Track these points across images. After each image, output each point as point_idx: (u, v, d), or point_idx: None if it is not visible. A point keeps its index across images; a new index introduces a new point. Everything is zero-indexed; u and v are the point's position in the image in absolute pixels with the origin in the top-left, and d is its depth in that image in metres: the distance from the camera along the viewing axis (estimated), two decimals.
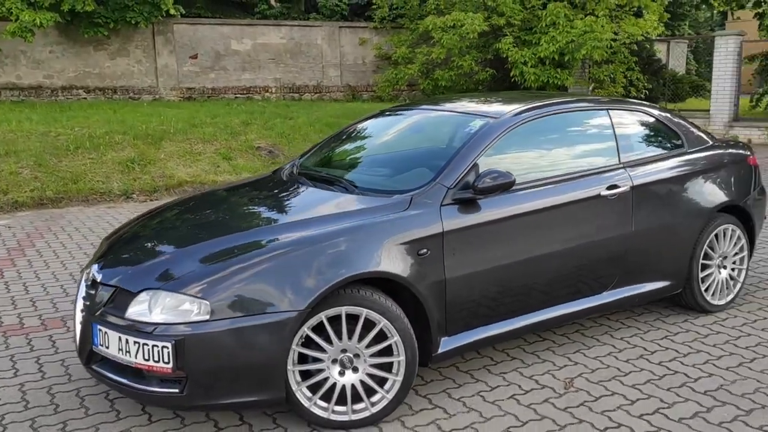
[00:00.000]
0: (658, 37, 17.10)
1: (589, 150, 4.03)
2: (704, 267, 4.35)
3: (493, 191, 3.37)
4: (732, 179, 4.49)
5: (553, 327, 4.03)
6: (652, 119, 4.37)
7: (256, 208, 3.71)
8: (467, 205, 3.40)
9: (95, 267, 3.27)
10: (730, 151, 4.65)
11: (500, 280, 3.49)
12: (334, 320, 3.03)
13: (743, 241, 4.54)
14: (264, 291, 2.91)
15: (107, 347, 3.00)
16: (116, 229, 3.93)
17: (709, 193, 4.32)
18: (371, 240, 3.13)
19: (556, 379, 3.60)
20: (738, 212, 4.50)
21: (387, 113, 4.56)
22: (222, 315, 2.84)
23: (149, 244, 3.42)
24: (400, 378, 3.12)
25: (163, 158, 9.91)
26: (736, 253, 4.52)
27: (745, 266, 4.59)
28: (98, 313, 3.07)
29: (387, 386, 3.13)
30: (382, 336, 3.10)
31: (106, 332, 2.99)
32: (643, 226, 3.98)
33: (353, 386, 3.09)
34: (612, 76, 15.65)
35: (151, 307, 2.94)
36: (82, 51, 15.44)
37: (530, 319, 3.65)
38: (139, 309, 2.96)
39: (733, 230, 4.45)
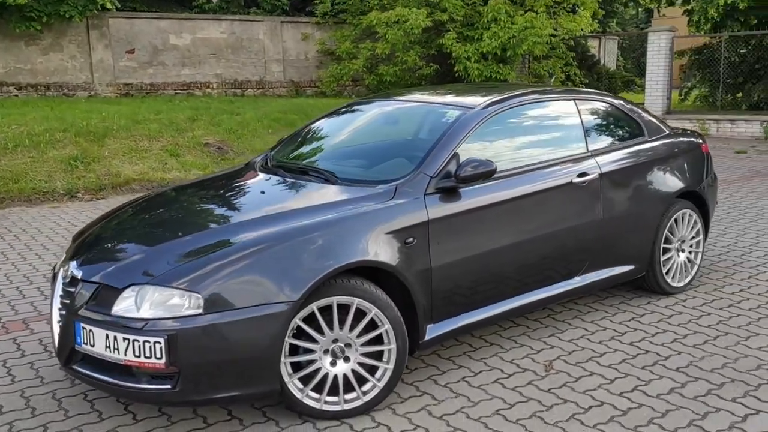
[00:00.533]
0: (591, 33, 17.58)
1: (559, 139, 4.15)
2: (665, 251, 4.53)
3: (475, 180, 3.43)
4: (688, 166, 4.68)
5: (530, 312, 4.13)
6: (613, 109, 4.52)
7: (236, 201, 3.67)
8: (449, 193, 3.45)
9: (73, 264, 3.17)
10: (685, 139, 4.85)
11: (481, 267, 3.55)
12: (325, 311, 3.03)
13: (699, 225, 4.74)
14: (256, 283, 2.89)
15: (92, 345, 2.91)
16: (87, 226, 3.81)
17: (669, 179, 4.50)
18: (360, 230, 3.14)
19: (536, 362, 3.69)
20: (694, 198, 4.70)
21: (356, 105, 4.57)
22: (215, 308, 2.81)
23: (130, 240, 3.34)
24: (391, 366, 3.15)
25: (107, 156, 9.64)
26: (693, 237, 4.72)
27: (700, 249, 4.80)
28: (80, 310, 2.98)
29: (378, 374, 3.15)
30: (372, 325, 3.12)
31: (90, 330, 2.91)
32: (610, 213, 4.12)
33: (345, 376, 3.09)
34: (551, 71, 16.02)
35: (138, 303, 2.87)
36: (13, 46, 14.83)
37: (509, 305, 3.73)
38: (125, 305, 2.89)
39: (690, 215, 4.64)
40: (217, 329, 2.80)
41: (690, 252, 4.73)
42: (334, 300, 3.02)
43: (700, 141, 4.95)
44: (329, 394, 3.08)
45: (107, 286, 2.98)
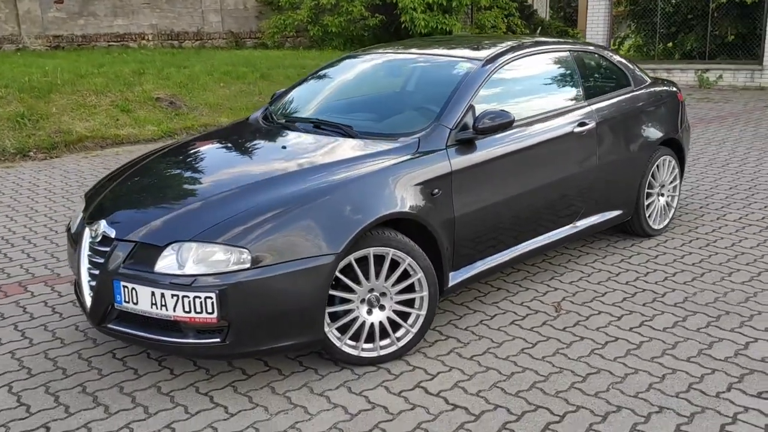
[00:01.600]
0: None
1: (559, 90, 4.29)
2: (647, 195, 4.78)
3: (494, 131, 3.54)
4: (668, 114, 4.93)
5: (535, 256, 4.31)
6: (603, 59, 4.69)
7: (259, 156, 3.65)
8: (467, 145, 3.55)
9: (104, 223, 3.13)
10: (664, 88, 5.08)
11: (496, 215, 3.70)
12: (361, 262, 3.12)
13: (677, 170, 5.02)
14: (301, 236, 2.94)
15: (135, 303, 2.92)
16: (100, 183, 3.74)
17: (654, 127, 4.73)
18: (393, 183, 3.21)
19: (545, 304, 3.89)
20: (673, 144, 4.95)
21: (355, 58, 4.57)
22: (263, 262, 2.85)
23: (159, 198, 3.31)
24: (423, 312, 3.27)
25: (55, 113, 9.25)
26: (671, 182, 4.99)
27: (677, 193, 5.09)
28: (119, 269, 2.97)
29: (410, 321, 3.27)
30: (405, 274, 3.22)
31: (133, 288, 2.91)
32: (604, 160, 4.32)
33: (380, 324, 3.20)
34: (494, 22, 16.16)
35: (181, 260, 2.89)
36: None
37: (520, 250, 3.90)
38: (167, 262, 2.90)
39: (669, 161, 4.91)
40: (265, 283, 2.85)
41: (668, 196, 5.01)
42: (371, 251, 3.10)
43: (676, 90, 5.19)
44: (365, 341, 3.19)
45: (146, 244, 2.97)
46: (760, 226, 5.11)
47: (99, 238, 3.12)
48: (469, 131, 3.54)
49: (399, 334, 3.25)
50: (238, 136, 4.03)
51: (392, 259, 3.17)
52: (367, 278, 3.14)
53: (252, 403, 2.95)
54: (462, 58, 3.98)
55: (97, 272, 3.09)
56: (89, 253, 3.18)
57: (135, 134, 9.16)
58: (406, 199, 3.23)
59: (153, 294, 2.86)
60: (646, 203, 4.77)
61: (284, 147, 3.66)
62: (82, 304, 3.26)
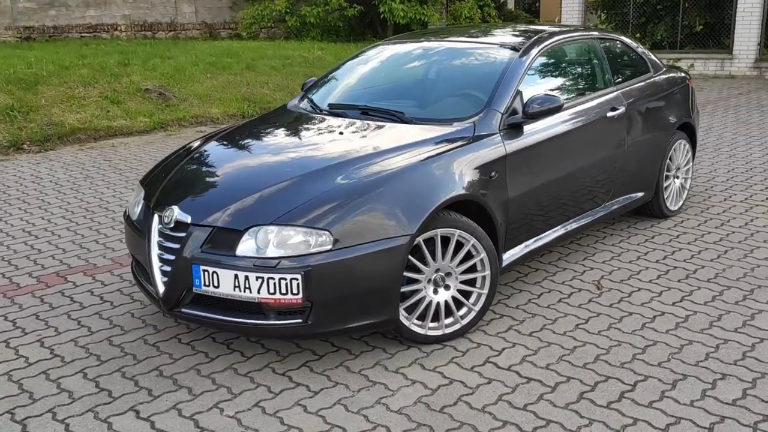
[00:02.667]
0: None
1: (591, 75, 4.44)
2: (665, 178, 4.98)
3: (543, 116, 3.66)
4: (683, 99, 5.13)
5: (574, 237, 4.44)
6: (625, 46, 4.86)
7: (320, 142, 3.70)
8: (516, 129, 3.67)
9: (177, 209, 3.16)
10: (678, 74, 5.27)
11: (543, 197, 3.83)
12: (427, 243, 3.21)
13: (690, 153, 5.23)
14: (377, 218, 3.02)
15: (216, 287, 2.96)
16: (158, 169, 3.76)
17: (672, 111, 4.92)
18: (458, 166, 3.32)
19: (585, 282, 4.04)
20: (687, 128, 5.15)
21: (387, 46, 4.64)
22: (344, 243, 2.93)
23: (230, 182, 3.35)
24: (485, 291, 3.39)
25: (45, 105, 9.10)
26: (685, 165, 5.20)
27: (690, 176, 5.30)
28: (197, 254, 3.01)
29: (472, 300, 3.38)
30: (467, 254, 3.33)
31: (214, 272, 2.96)
32: (632, 143, 4.49)
33: (446, 303, 3.31)
34: (468, 13, 16.31)
35: (263, 243, 2.94)
36: None
37: (561, 231, 4.04)
38: (249, 246, 2.96)
39: (684, 144, 5.11)
40: (346, 264, 2.93)
41: (683, 178, 5.21)
42: (438, 232, 3.20)
43: (687, 76, 5.39)
44: (430, 320, 3.29)
45: (224, 228, 3.02)
46: (767, 206, 5.35)
47: (172, 224, 3.15)
48: (518, 116, 3.66)
49: (462, 312, 3.36)
50: (288, 123, 4.07)
51: (458, 240, 3.28)
52: (434, 259, 3.23)
53: (331, 382, 3.03)
54: (501, 45, 4.09)
55: (170, 257, 3.13)
56: (160, 239, 3.21)
57: (128, 126, 9.07)
58: (469, 181, 3.33)
59: (236, 277, 2.92)
60: (664, 185, 4.96)
61: (341, 132, 3.72)
62: (148, 289, 3.29)
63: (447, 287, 3.31)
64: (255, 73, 11.60)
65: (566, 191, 4.01)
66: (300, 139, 3.80)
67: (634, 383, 2.96)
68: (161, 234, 3.22)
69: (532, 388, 2.94)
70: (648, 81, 4.80)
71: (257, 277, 2.89)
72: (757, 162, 6.75)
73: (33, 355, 3.30)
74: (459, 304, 3.35)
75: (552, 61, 4.16)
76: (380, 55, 4.58)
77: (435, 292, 3.29)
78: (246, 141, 3.86)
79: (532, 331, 3.46)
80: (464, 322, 3.36)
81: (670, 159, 4.97)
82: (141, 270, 3.48)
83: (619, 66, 4.64)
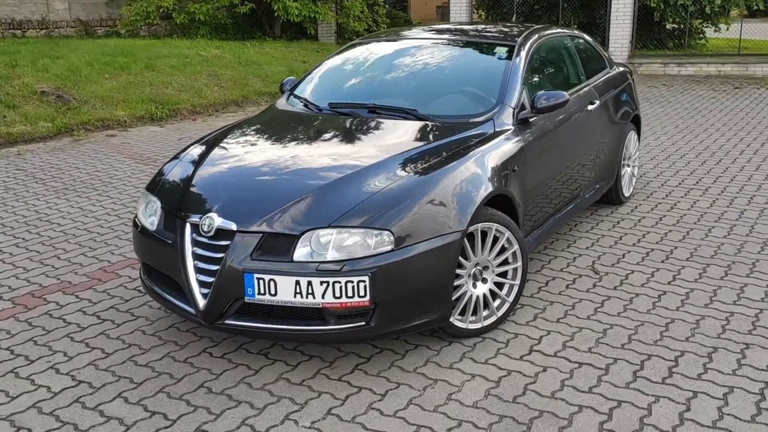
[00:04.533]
0: None
1: (571, 70, 4.63)
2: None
3: (551, 110, 3.79)
4: (632, 92, 5.47)
5: (561, 225, 4.61)
6: (586, 44, 5.12)
7: (342, 141, 3.60)
8: (526, 124, 3.78)
9: (216, 216, 2.99)
10: (625, 69, 5.62)
11: (547, 188, 3.97)
12: (467, 238, 3.25)
13: (637, 144, 5.59)
14: (433, 215, 3.02)
15: (274, 294, 2.85)
16: (161, 175, 3.52)
17: (627, 104, 5.25)
18: (491, 162, 3.38)
19: (581, 268, 4.23)
20: (635, 120, 5.51)
21: (369, 44, 4.61)
22: (404, 242, 2.90)
23: (266, 185, 3.19)
24: (517, 282, 3.47)
25: None
26: (634, 153, 5.56)
27: (637, 164, 5.67)
28: (248, 262, 2.88)
29: (505, 291, 3.45)
30: (502, 247, 3.40)
31: (271, 280, 2.84)
32: (603, 135, 4.74)
33: (483, 296, 3.36)
34: (359, 14, 16.42)
35: (322, 246, 2.86)
36: None
37: (553, 219, 4.19)
38: (306, 250, 2.86)
39: (634, 134, 5.46)
40: (407, 263, 2.90)
41: (632, 167, 5.56)
42: (479, 227, 3.24)
43: (629, 70, 5.76)
44: (464, 313, 3.33)
45: (276, 234, 2.90)
46: (700, 189, 5.82)
47: (212, 233, 2.98)
48: (527, 110, 3.77)
49: (496, 304, 3.43)
50: (297, 123, 3.94)
51: (493, 234, 3.33)
52: (474, 253, 3.28)
53: (392, 383, 2.99)
54: (495, 41, 4.20)
55: (211, 268, 2.96)
56: (195, 249, 3.03)
57: (29, 131, 8.39)
58: (501, 176, 3.41)
59: (297, 283, 2.82)
60: (621, 173, 5.28)
61: (362, 131, 3.66)
62: (174, 303, 3.12)
63: (484, 281, 3.36)
64: (156, 72, 11.07)
65: (564, 181, 4.18)
66: (320, 139, 3.69)
67: (675, 359, 3.16)
68: (196, 243, 3.04)
69: (587, 372, 3.05)
70: (607, 76, 5.09)
71: (321, 282, 2.80)
72: (666, 148, 7.31)
73: (54, 384, 3.01)
74: (494, 297, 3.41)
75: (542, 56, 4.31)
76: (368, 54, 4.54)
77: (474, 286, 3.33)
78: (262, 142, 3.71)
79: (557, 317, 3.58)
80: (499, 313, 3.43)
81: (625, 148, 5.28)
82: (163, 282, 3.27)
83: (586, 62, 4.88)
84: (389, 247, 2.87)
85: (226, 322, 2.99)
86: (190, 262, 3.02)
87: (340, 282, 2.80)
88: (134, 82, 10.50)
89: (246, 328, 2.98)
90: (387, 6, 24.65)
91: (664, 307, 3.68)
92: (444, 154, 3.30)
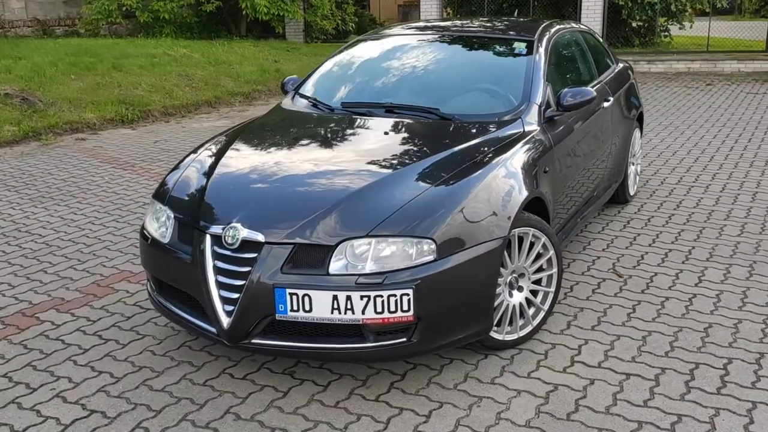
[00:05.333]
0: None
1: (585, 67, 4.48)
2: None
3: (578, 108, 3.63)
4: (636, 89, 5.36)
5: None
6: (595, 39, 4.98)
7: (366, 142, 3.37)
8: (551, 122, 3.61)
9: (241, 227, 2.74)
10: (626, 65, 5.50)
11: (571, 190, 3.81)
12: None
13: (640, 141, 5.48)
14: (475, 221, 2.82)
15: (308, 310, 2.61)
16: (169, 182, 3.24)
17: (632, 102, 5.13)
18: (526, 163, 3.19)
19: (602, 271, 4.08)
20: (639, 117, 5.40)
21: (374, 40, 4.39)
22: (446, 252, 2.69)
23: (291, 192, 2.94)
24: (552, 289, 3.29)
25: None
26: (639, 151, 5.45)
27: (640, 162, 5.56)
28: (279, 276, 2.64)
29: (539, 299, 3.28)
30: (537, 253, 3.22)
31: (305, 295, 2.60)
32: (615, 133, 4.61)
33: (520, 305, 3.18)
34: (330, 12, 16.17)
35: (359, 257, 2.64)
36: None
37: (574, 221, 4.03)
38: (342, 262, 2.64)
39: (638, 132, 5.35)
40: (450, 273, 2.70)
41: (636, 165, 5.46)
42: (516, 232, 3.06)
43: (630, 66, 5.65)
44: (501, 324, 3.14)
45: (309, 245, 2.67)
46: (700, 186, 5.74)
47: (237, 244, 2.73)
48: (552, 108, 3.60)
49: (531, 312, 3.24)
50: (308, 125, 3.70)
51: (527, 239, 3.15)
52: (511, 260, 3.09)
53: (435, 402, 2.79)
54: (512, 36, 4.02)
55: (235, 282, 2.71)
56: (216, 262, 2.77)
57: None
58: (536, 178, 3.23)
59: (335, 298, 2.59)
60: (628, 172, 5.16)
61: (386, 132, 3.44)
62: (191, 322, 2.87)
63: (520, 289, 3.18)
64: (123, 73, 10.66)
65: (585, 182, 4.03)
66: (340, 141, 3.46)
67: (723, 366, 3.02)
68: (217, 256, 2.78)
69: (637, 384, 2.89)
70: (615, 72, 4.97)
71: (362, 296, 2.58)
72: (656, 146, 7.25)
73: (63, 415, 2.73)
74: (528, 305, 3.23)
75: (559, 52, 4.15)
76: (376, 51, 4.31)
77: (510, 295, 3.14)
78: (277, 146, 3.45)
79: (591, 325, 3.42)
80: (535, 323, 3.25)
81: (631, 146, 5.17)
82: (176, 298, 3.01)
83: (596, 57, 4.74)
84: (431, 257, 2.66)
85: (253, 341, 2.74)
86: (211, 277, 2.76)
87: (382, 296, 2.58)
88: (102, 83, 10.08)
89: (275, 348, 2.74)
90: (355, 5, 24.48)
91: (697, 311, 3.55)
92: (478, 155, 3.11)
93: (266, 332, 2.74)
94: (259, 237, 2.70)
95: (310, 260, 2.66)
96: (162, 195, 3.19)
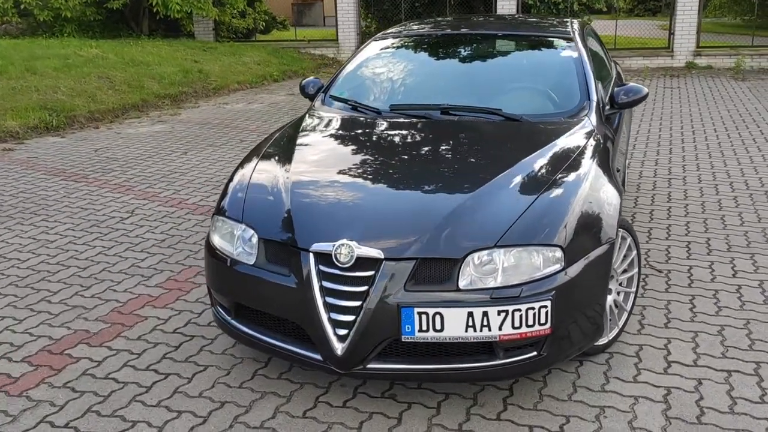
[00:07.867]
0: None
1: (603, 62, 4.47)
2: None
3: (632, 105, 3.61)
4: (622, 82, 5.45)
5: None
6: (596, 36, 5.00)
7: (448, 147, 3.16)
8: (608, 120, 3.57)
9: (355, 245, 2.48)
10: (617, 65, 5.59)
11: None
12: None
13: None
14: (590, 224, 2.72)
15: (439, 330, 2.41)
16: (229, 197, 2.94)
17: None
18: (609, 164, 3.13)
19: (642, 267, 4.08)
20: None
21: (401, 37, 4.19)
22: (572, 259, 2.57)
23: (401, 201, 2.73)
24: (633, 290, 3.24)
25: None
26: (628, 146, 5.55)
27: (629, 156, 5.67)
28: (403, 294, 2.42)
29: (621, 299, 3.21)
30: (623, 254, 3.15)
31: (437, 313, 2.40)
32: (626, 129, 4.65)
33: (609, 308, 3.10)
34: (242, 9, 15.67)
35: (487, 270, 2.47)
36: None
37: None
38: (471, 276, 2.46)
39: (629, 127, 5.45)
40: (578, 279, 2.58)
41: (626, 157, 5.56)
42: (620, 233, 2.97)
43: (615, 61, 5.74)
44: None
45: (432, 259, 2.47)
46: (677, 178, 5.94)
47: (351, 263, 2.48)
48: (607, 106, 3.56)
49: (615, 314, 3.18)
50: (366, 129, 3.45)
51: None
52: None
53: (560, 416, 2.66)
54: (550, 33, 3.94)
55: (350, 304, 2.47)
56: (324, 283, 2.52)
57: None
58: (617, 176, 3.16)
59: (470, 315, 2.40)
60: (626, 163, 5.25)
61: (462, 135, 3.26)
62: (289, 350, 2.63)
63: (609, 291, 3.10)
64: (39, 76, 9.83)
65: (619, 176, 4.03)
66: (419, 146, 3.23)
67: None
68: (325, 276, 2.52)
69: (744, 381, 2.88)
70: (616, 71, 5.02)
71: (499, 312, 2.41)
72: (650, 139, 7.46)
73: None
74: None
75: (590, 48, 4.12)
76: (408, 49, 4.11)
77: None
78: (347, 154, 3.19)
79: (663, 323, 3.40)
80: (620, 324, 3.19)
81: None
82: (263, 324, 2.72)
83: (607, 58, 4.77)
84: (558, 266, 2.53)
85: (368, 366, 2.51)
86: (319, 299, 2.50)
87: (520, 310, 2.43)
88: (17, 87, 9.24)
89: (394, 372, 2.52)
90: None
91: (752, 302, 3.61)
92: (572, 156, 3.00)
93: (382, 355, 2.52)
94: (377, 254, 2.47)
95: (435, 276, 2.47)
96: (232, 212, 2.86)
